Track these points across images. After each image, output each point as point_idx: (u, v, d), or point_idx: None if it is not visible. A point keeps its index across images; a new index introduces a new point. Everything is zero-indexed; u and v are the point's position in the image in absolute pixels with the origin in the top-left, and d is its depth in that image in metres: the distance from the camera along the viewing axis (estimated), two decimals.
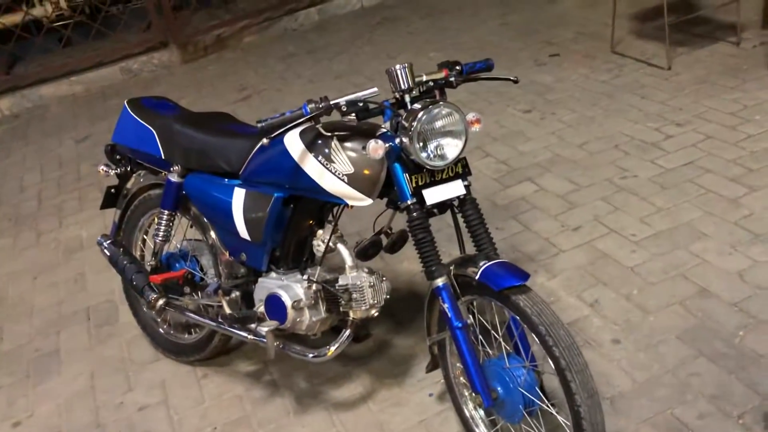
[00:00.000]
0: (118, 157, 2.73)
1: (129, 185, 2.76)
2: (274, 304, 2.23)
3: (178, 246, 2.73)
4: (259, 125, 1.89)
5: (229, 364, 2.74)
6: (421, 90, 1.97)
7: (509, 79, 2.12)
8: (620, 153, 3.63)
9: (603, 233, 3.04)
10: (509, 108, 4.41)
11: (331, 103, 1.88)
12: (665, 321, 2.50)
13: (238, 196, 2.27)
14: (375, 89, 1.93)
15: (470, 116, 1.93)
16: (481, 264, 1.80)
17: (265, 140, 1.89)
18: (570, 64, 4.88)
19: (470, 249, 2.00)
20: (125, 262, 2.59)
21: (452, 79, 2.00)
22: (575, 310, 2.63)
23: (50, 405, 2.72)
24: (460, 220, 2.02)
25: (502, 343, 1.90)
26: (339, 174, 1.98)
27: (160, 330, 2.81)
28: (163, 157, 2.49)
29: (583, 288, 2.74)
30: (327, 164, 1.99)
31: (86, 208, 4.26)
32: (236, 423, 2.45)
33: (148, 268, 2.64)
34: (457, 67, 2.04)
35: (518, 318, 1.77)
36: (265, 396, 2.55)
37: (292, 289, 2.22)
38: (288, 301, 2.19)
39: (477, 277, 1.78)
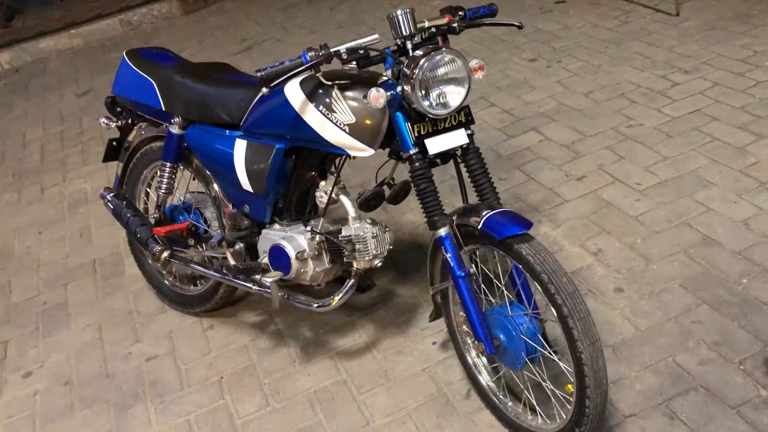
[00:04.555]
0: (118, 109, 2.70)
1: (130, 138, 2.74)
2: (278, 255, 2.23)
3: (182, 198, 2.73)
4: (258, 74, 1.86)
5: (234, 315, 2.76)
6: (423, 36, 1.94)
7: (513, 25, 2.08)
8: (626, 101, 3.59)
9: (608, 182, 3.02)
10: (514, 57, 4.34)
11: (331, 50, 1.85)
12: (669, 269, 2.50)
13: (240, 147, 2.25)
14: (376, 36, 1.89)
15: (473, 63, 1.89)
16: (483, 213, 1.79)
17: (264, 89, 1.86)
18: (576, 11, 4.78)
19: (473, 199, 2.00)
20: (129, 215, 2.60)
21: (455, 24, 1.96)
22: (579, 259, 2.64)
23: (60, 356, 2.76)
24: (463, 170, 2.01)
25: (505, 292, 1.91)
26: (340, 124, 1.96)
27: (166, 282, 2.83)
28: (163, 109, 2.47)
29: (586, 237, 2.74)
30: (328, 114, 1.97)
31: (89, 161, 4.26)
32: (242, 372, 2.49)
33: (152, 221, 2.64)
34: (460, 13, 1.99)
35: (521, 266, 1.77)
36: (270, 346, 2.58)
37: (295, 240, 2.22)
38: (292, 252, 2.20)
39: (479, 227, 1.77)
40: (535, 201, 3.01)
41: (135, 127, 2.71)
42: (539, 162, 3.27)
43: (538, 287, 1.72)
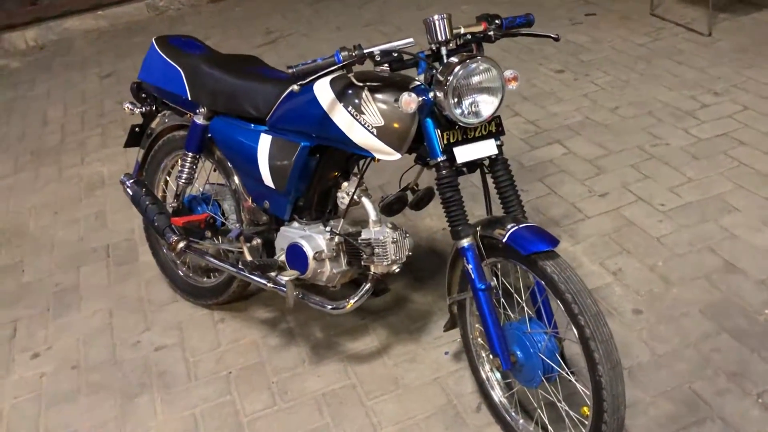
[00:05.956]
0: (143, 95, 2.68)
1: (153, 125, 2.72)
2: (296, 254, 2.21)
3: (201, 189, 2.71)
4: (290, 71, 1.84)
5: (246, 309, 2.74)
6: (458, 43, 1.91)
7: (550, 37, 2.05)
8: (653, 120, 3.54)
9: (630, 201, 2.98)
10: (541, 67, 4.30)
11: (365, 51, 1.82)
12: (689, 294, 2.46)
13: (264, 142, 2.23)
14: (411, 39, 1.86)
15: (507, 73, 1.86)
16: (508, 227, 1.76)
17: (295, 87, 1.84)
18: (606, 25, 4.73)
19: (497, 210, 1.96)
20: (147, 203, 2.58)
21: (491, 33, 1.93)
22: (598, 278, 2.60)
23: (69, 339, 2.75)
24: (489, 181, 1.98)
25: (525, 308, 1.87)
26: (368, 126, 1.93)
27: (179, 272, 2.82)
28: (189, 98, 2.45)
29: (607, 255, 2.70)
30: (356, 115, 1.94)
31: (109, 145, 4.25)
32: (251, 369, 2.46)
33: (170, 210, 2.63)
34: (497, 21, 1.96)
35: (543, 284, 1.73)
36: (281, 343, 2.56)
37: (314, 239, 2.19)
38: (309, 252, 2.17)
39: (504, 240, 1.74)
40: (556, 215, 2.97)
41: (159, 115, 2.70)
42: (562, 175, 3.23)
43: (561, 306, 1.69)
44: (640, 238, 2.76)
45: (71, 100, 5.04)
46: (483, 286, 1.83)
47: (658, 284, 2.53)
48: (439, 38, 1.84)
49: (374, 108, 1.92)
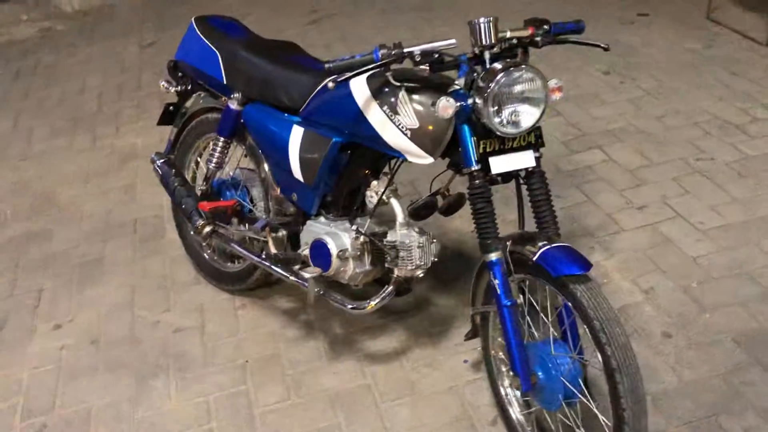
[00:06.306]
0: (179, 74, 2.65)
1: (188, 104, 2.70)
2: (320, 251, 2.17)
3: (231, 173, 2.68)
4: (326, 66, 1.79)
5: (267, 297, 2.72)
6: (503, 47, 1.83)
7: (599, 46, 1.95)
8: (699, 131, 3.41)
9: (669, 216, 2.88)
10: (587, 66, 4.17)
11: (405, 51, 1.75)
12: (723, 321, 2.37)
13: (296, 134, 2.19)
14: (453, 41, 1.79)
15: (552, 83, 1.79)
16: (540, 245, 1.69)
17: (330, 84, 1.79)
18: (659, 27, 4.57)
19: (529, 223, 1.90)
20: (176, 184, 2.57)
21: (538, 38, 1.84)
22: (628, 295, 2.51)
23: (90, 313, 2.76)
24: (524, 192, 1.91)
25: (551, 329, 1.81)
26: (402, 127, 1.88)
27: (204, 255, 2.80)
28: (224, 82, 2.41)
29: (639, 273, 2.61)
30: (391, 115, 1.88)
31: (144, 117, 4.25)
32: (268, 359, 2.44)
33: (199, 192, 2.60)
34: (545, 26, 1.87)
35: (572, 307, 1.67)
36: (299, 336, 2.53)
37: (339, 237, 2.15)
38: (334, 250, 2.13)
39: (534, 259, 1.68)
40: (591, 225, 2.88)
41: (194, 95, 2.67)
42: (600, 183, 3.13)
43: (588, 333, 1.62)
44: (675, 257, 2.66)
45: (110, 68, 5.05)
46: (509, 303, 1.77)
47: (691, 307, 2.44)
48: (483, 42, 1.76)
49: (410, 109, 1.86)
